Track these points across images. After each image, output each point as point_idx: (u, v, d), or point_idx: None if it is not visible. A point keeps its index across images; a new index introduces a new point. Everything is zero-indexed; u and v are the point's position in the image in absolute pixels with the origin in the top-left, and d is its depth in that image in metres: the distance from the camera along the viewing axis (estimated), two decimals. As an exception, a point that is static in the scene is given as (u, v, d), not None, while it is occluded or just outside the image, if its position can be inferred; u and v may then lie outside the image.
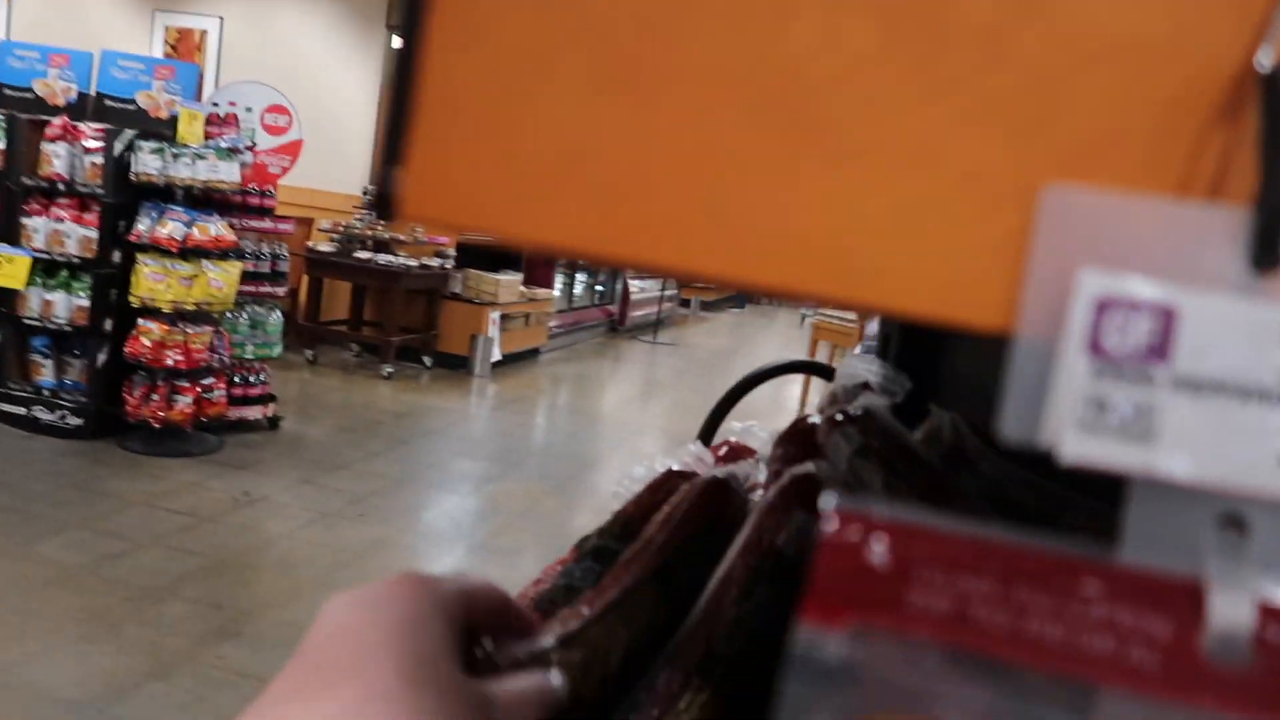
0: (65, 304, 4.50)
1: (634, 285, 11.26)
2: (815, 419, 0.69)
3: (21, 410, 4.50)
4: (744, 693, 0.61)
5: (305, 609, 2.99)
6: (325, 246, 7.12)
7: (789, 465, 0.67)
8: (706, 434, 0.97)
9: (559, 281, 9.20)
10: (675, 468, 0.79)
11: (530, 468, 5.04)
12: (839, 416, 0.65)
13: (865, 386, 0.75)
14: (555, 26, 0.26)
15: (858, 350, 4.93)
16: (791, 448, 0.69)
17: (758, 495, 0.81)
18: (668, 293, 11.49)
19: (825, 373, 0.90)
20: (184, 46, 8.26)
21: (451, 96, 0.26)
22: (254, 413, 4.90)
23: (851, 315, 6.88)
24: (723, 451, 0.81)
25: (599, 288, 10.66)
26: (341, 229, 7.10)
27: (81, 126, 4.58)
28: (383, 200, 0.27)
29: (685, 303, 13.75)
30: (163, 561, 3.20)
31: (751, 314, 16.31)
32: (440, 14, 0.26)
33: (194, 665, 2.57)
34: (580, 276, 9.98)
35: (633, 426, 6.66)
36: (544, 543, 3.95)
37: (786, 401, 8.48)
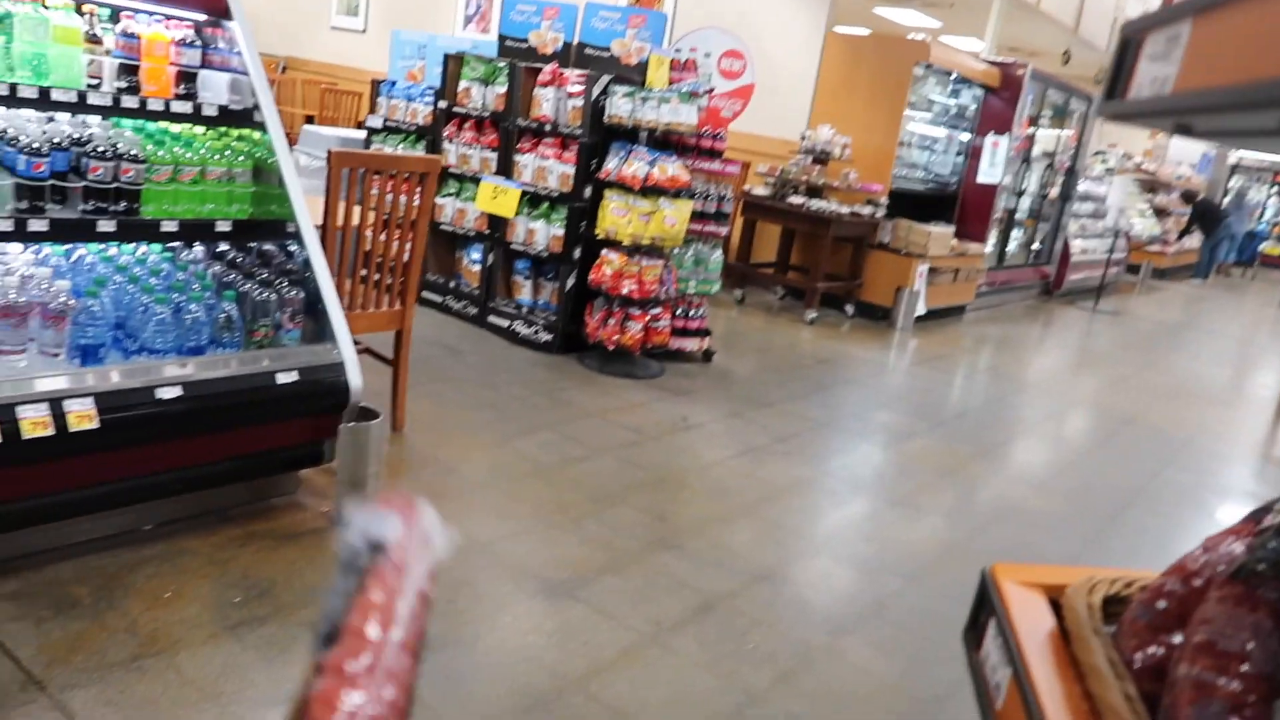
0: (544, 233, 5.09)
1: (1075, 245, 10.28)
2: None
3: (505, 323, 5.24)
4: None
5: (736, 534, 3.15)
6: (759, 190, 7.32)
7: None
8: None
9: (991, 237, 8.65)
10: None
11: (952, 428, 4.85)
12: None
13: None
14: None
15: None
16: None
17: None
18: (1115, 255, 10.33)
19: None
20: (647, -7, 8.83)
21: None
22: (691, 344, 5.24)
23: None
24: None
25: (1035, 246, 9.87)
26: (777, 173, 7.25)
27: (566, 73, 5.09)
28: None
29: (1134, 268, 12.28)
30: (615, 470, 3.54)
31: (1215, 287, 14.15)
32: None
33: (641, 567, 2.82)
34: (1015, 233, 9.31)
35: (1063, 398, 6.14)
36: (965, 506, 3.80)
37: (1255, 389, 7.33)
